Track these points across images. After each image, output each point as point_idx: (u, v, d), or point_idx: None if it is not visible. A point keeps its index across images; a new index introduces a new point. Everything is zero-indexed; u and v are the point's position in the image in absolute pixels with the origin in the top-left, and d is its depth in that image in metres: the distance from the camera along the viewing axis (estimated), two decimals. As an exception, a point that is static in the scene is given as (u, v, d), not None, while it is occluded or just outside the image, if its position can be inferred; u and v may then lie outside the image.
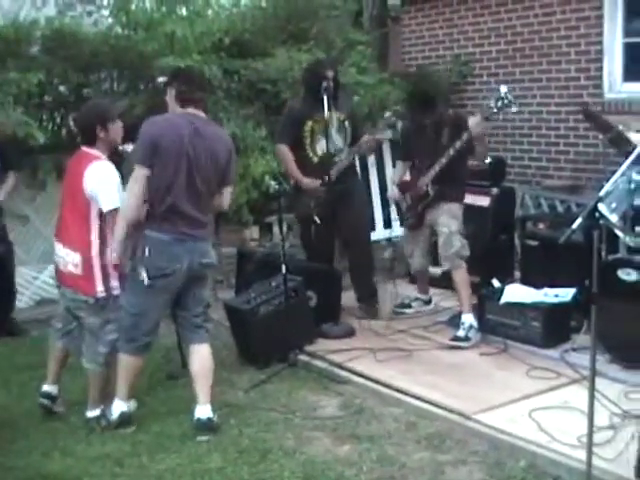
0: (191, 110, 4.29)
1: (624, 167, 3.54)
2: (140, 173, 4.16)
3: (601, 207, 3.31)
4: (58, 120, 6.82)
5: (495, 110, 5.36)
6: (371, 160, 7.60)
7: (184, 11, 7.78)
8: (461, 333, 5.39)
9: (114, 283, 4.33)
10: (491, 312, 5.49)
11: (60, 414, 4.59)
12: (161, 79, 4.53)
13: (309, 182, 5.84)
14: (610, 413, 4.14)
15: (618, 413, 4.16)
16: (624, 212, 3.64)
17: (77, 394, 4.70)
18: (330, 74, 5.74)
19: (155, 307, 4.30)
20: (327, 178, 5.72)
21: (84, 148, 4.40)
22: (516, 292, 5.47)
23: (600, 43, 7.04)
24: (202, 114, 4.33)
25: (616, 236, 3.65)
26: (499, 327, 5.42)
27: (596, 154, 6.92)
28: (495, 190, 6.51)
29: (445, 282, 5.94)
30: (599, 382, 3.71)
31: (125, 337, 4.30)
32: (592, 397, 3.45)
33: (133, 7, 7.51)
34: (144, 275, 4.15)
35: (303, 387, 4.93)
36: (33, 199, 6.72)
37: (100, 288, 4.29)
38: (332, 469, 3.90)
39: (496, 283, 5.74)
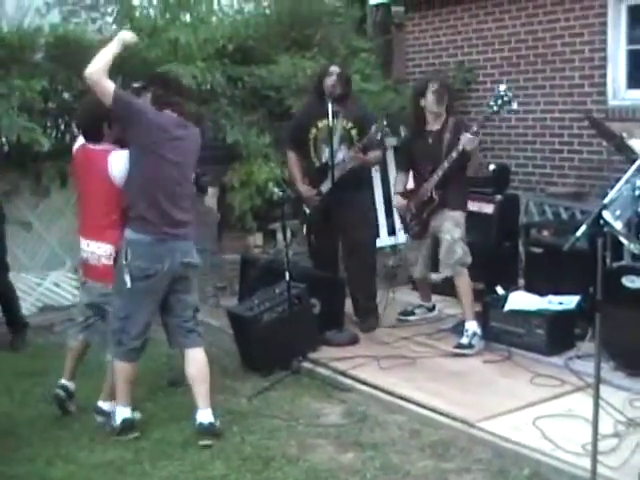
0: (168, 113, 4.34)
1: (628, 174, 3.53)
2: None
3: (605, 214, 3.30)
4: (62, 127, 6.84)
5: (495, 109, 5.34)
6: (375, 167, 7.58)
7: (188, 18, 7.83)
8: (465, 340, 5.37)
9: None
10: (495, 319, 5.47)
11: (72, 413, 4.60)
12: (136, 84, 4.58)
13: (305, 190, 5.83)
14: (615, 421, 4.13)
15: (623, 421, 4.15)
16: (628, 219, 3.62)
17: (81, 401, 4.68)
18: (334, 69, 5.72)
19: (142, 310, 4.29)
20: (320, 189, 5.73)
21: (90, 145, 4.43)
22: (520, 299, 5.46)
23: (604, 50, 7.04)
24: (177, 116, 4.37)
25: (620, 243, 3.63)
26: (503, 334, 5.40)
27: (600, 161, 6.92)
28: (499, 197, 6.48)
29: (447, 289, 5.92)
30: (603, 390, 3.69)
31: (114, 341, 4.32)
32: (597, 405, 3.45)
33: (137, 14, 7.57)
34: (127, 278, 4.17)
35: (306, 394, 4.91)
36: (36, 206, 6.74)
37: None
38: (335, 477, 3.89)
39: (500, 290, 5.74)
